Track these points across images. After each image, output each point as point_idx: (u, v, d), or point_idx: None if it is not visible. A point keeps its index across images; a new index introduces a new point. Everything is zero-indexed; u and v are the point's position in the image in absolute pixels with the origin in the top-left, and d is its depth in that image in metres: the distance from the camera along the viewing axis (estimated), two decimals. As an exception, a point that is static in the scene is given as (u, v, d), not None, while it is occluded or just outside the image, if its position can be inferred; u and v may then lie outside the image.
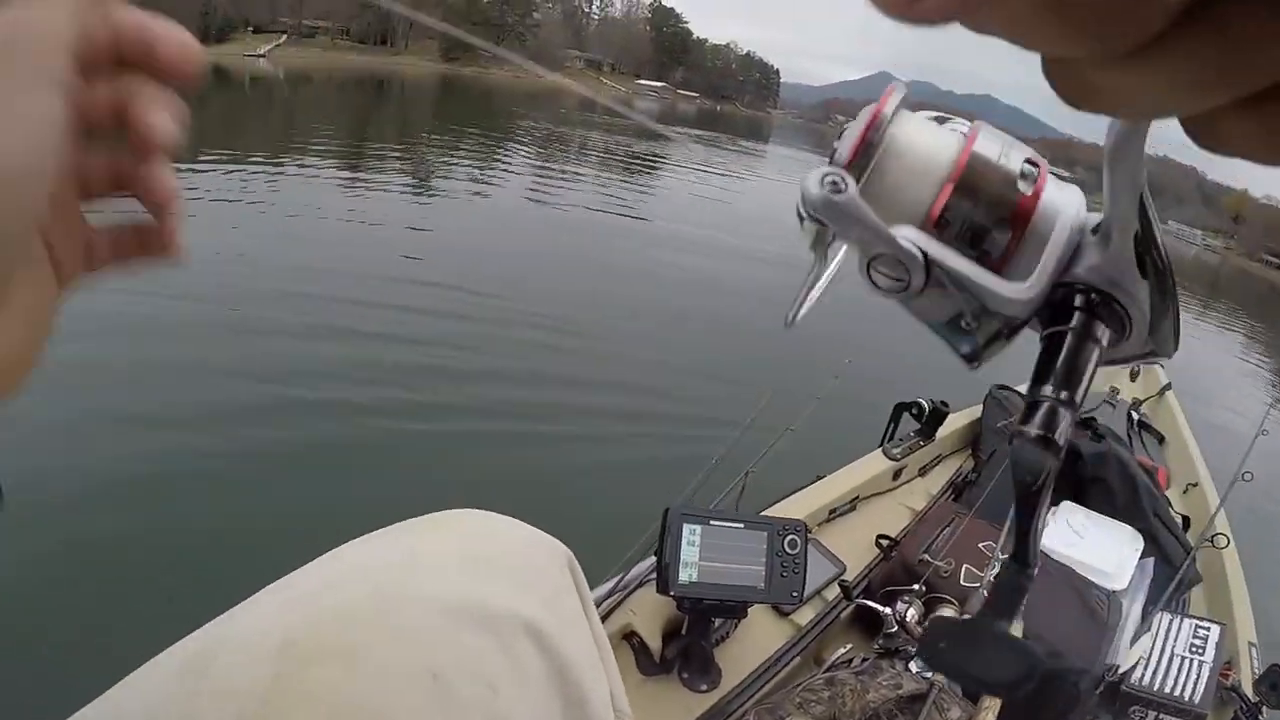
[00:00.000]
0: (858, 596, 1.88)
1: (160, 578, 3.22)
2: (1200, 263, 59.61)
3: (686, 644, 1.57)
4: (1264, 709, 1.60)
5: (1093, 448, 2.63)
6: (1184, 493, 3.34)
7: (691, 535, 1.47)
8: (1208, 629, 1.79)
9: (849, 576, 1.98)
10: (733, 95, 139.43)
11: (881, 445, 2.60)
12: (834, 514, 2.25)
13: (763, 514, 1.76)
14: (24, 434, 3.94)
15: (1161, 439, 3.84)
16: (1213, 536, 2.64)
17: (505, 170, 18.24)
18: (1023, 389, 3.34)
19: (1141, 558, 2.30)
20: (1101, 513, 2.43)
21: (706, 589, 1.46)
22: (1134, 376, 4.53)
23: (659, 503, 1.53)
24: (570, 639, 0.64)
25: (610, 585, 1.66)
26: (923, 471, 2.72)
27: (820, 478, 2.33)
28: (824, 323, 8.22)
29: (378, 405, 5.01)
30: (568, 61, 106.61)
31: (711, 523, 1.49)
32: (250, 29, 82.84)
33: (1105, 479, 2.53)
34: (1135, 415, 3.80)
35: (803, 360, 6.08)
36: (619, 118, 44.72)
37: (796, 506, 2.13)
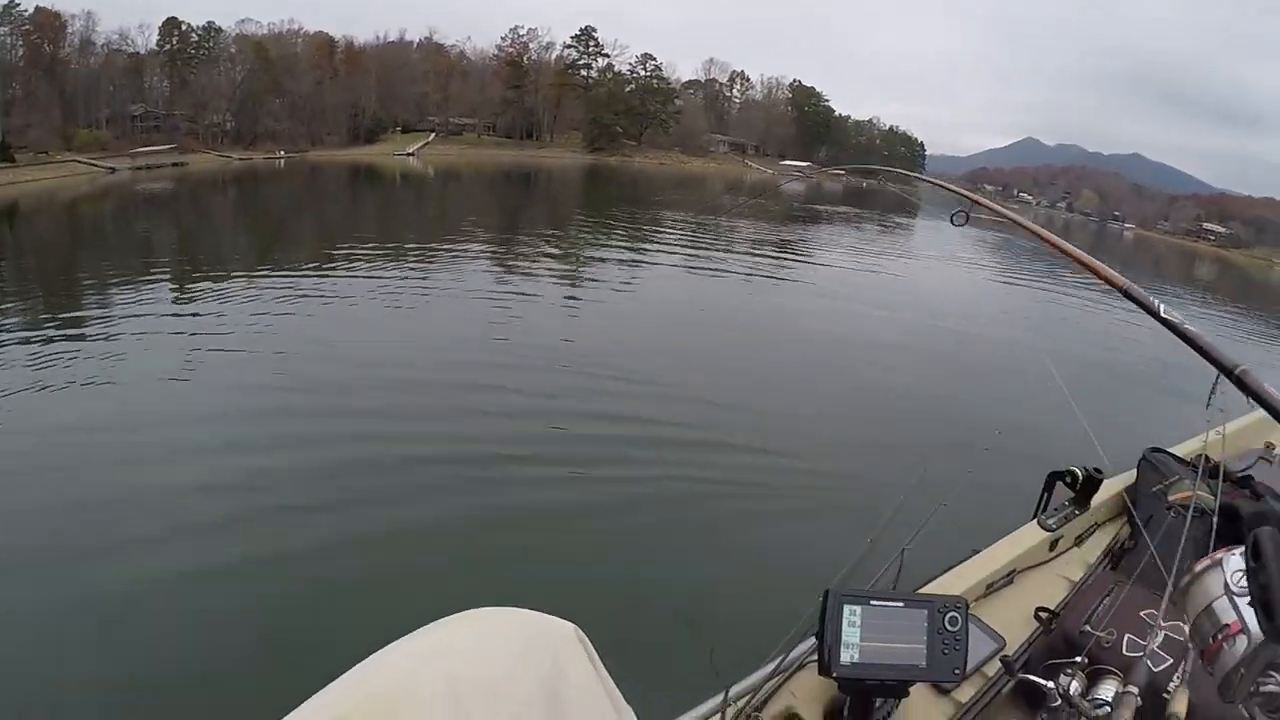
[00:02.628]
0: (1019, 671, 1.83)
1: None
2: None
3: (850, 726, 1.54)
4: None
5: (1252, 507, 2.51)
6: None
7: (852, 616, 1.47)
8: None
9: (1009, 651, 1.93)
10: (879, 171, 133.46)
11: (1036, 516, 2.54)
12: (991, 588, 2.21)
13: (921, 591, 1.73)
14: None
15: None
16: None
17: (655, 250, 18.81)
18: (1177, 451, 3.20)
19: (1316, 617, 2.16)
20: None
21: (869, 669, 1.45)
22: None
23: (812, 582, 1.54)
24: (575, 699, 0.81)
25: (770, 668, 1.67)
26: (1079, 541, 2.64)
27: (976, 552, 2.29)
28: (971, 396, 8.10)
29: (531, 480, 5.18)
30: (712, 146, 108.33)
31: (872, 603, 1.48)
32: (399, 128, 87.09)
33: (1268, 538, 2.38)
34: None
35: (952, 433, 6.01)
36: (764, 200, 45.58)
37: (954, 582, 2.10)
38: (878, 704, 1.61)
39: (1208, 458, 2.82)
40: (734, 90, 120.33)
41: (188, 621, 3.66)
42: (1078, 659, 1.76)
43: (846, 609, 1.47)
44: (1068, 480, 2.61)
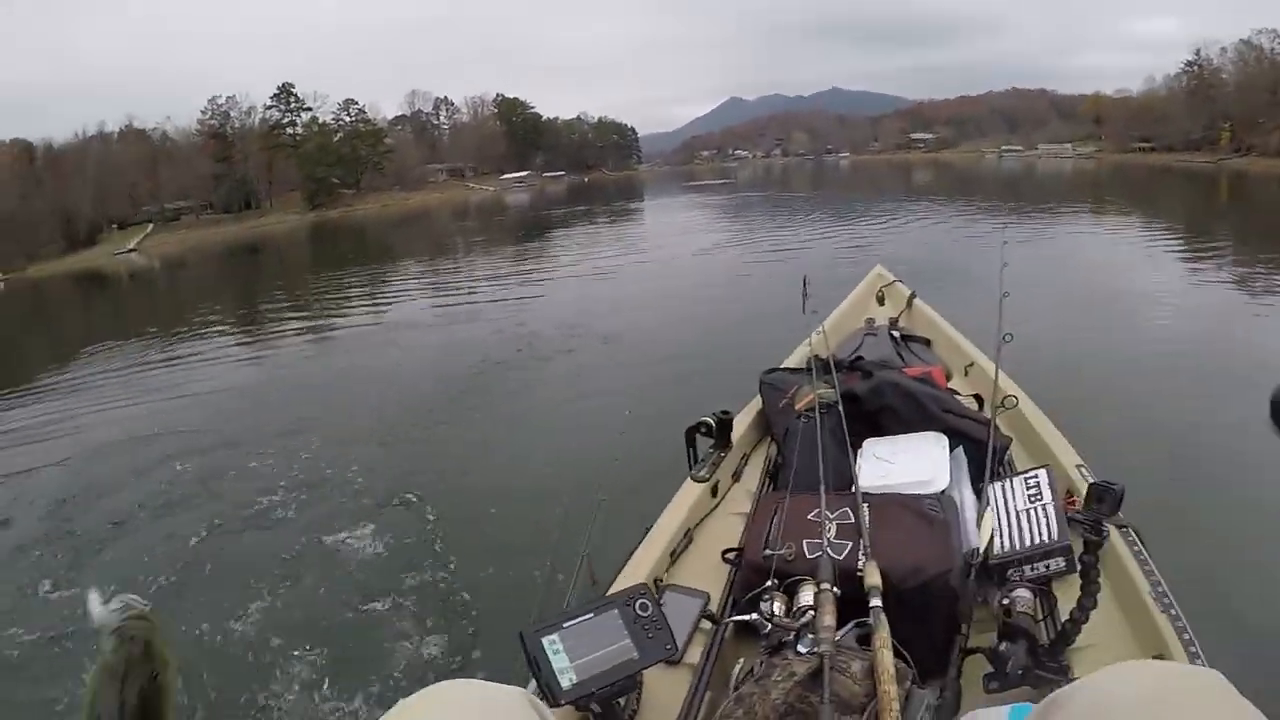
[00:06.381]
0: (726, 616, 1.88)
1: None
2: (1081, 172, 58.49)
3: (604, 734, 1.55)
4: (1103, 521, 1.48)
5: (865, 385, 2.71)
6: (965, 375, 3.47)
7: (554, 645, 1.46)
8: (1035, 475, 1.80)
9: (713, 603, 1.97)
10: (597, 163, 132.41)
11: (689, 472, 2.56)
12: (676, 555, 2.21)
13: (608, 593, 1.71)
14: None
15: (928, 342, 3.93)
16: (1003, 400, 2.75)
17: (391, 296, 17.93)
18: (787, 363, 3.47)
19: (952, 451, 2.35)
20: (900, 434, 2.49)
21: (591, 683, 1.45)
22: (881, 301, 4.63)
23: (519, 622, 1.51)
24: None
25: None
26: (736, 476, 2.69)
27: (649, 528, 2.27)
28: (600, 388, 7.81)
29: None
30: (430, 176, 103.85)
31: (564, 625, 1.49)
32: (115, 226, 77.55)
33: (888, 405, 2.59)
34: (896, 333, 3.89)
35: (586, 432, 5.92)
36: (494, 218, 44.22)
37: (640, 564, 2.08)
38: (621, 704, 1.61)
39: (817, 357, 3.02)
40: (441, 117, 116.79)
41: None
42: (769, 582, 1.80)
43: (545, 641, 1.46)
44: (703, 430, 2.66)
